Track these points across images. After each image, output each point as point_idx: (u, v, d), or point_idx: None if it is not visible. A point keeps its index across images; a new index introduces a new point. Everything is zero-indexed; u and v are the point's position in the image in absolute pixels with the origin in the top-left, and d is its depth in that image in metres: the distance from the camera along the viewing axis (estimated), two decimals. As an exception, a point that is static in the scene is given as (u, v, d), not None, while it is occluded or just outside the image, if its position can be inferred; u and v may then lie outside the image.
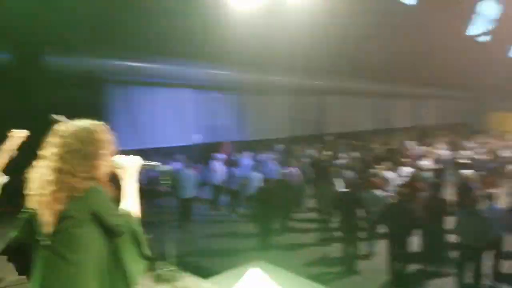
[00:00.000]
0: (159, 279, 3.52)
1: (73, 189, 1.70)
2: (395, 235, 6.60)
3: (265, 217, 8.04)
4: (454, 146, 16.03)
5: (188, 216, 9.66)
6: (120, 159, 1.95)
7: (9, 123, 2.70)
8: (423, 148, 14.99)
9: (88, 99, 9.83)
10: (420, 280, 6.70)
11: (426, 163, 11.54)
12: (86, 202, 1.70)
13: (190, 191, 9.54)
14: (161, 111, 12.60)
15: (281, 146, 13.22)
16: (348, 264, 7.11)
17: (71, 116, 1.95)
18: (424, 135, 21.63)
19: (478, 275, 6.10)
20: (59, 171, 1.72)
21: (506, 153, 14.23)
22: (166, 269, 3.69)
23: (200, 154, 12.39)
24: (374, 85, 19.17)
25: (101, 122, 1.92)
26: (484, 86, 27.79)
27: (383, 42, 15.54)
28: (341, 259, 7.30)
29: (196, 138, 13.80)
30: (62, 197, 1.69)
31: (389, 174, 9.57)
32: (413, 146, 15.78)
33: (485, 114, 29.61)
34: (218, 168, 10.61)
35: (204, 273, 4.53)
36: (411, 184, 8.62)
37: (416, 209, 6.74)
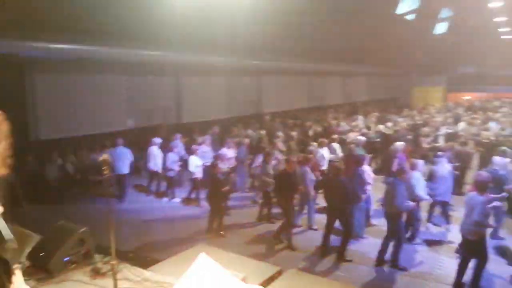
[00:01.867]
0: (97, 272, 3.41)
1: None
2: (329, 208, 7.02)
3: (207, 199, 8.08)
4: (381, 120, 17.08)
5: (122, 192, 9.93)
6: None
7: None
8: (352, 124, 15.82)
9: (9, 85, 9.12)
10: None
11: (353, 136, 12.27)
12: None
13: (124, 168, 9.86)
14: (95, 97, 12.12)
15: (217, 128, 13.16)
16: (288, 239, 7.38)
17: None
18: (355, 111, 22.72)
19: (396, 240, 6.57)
20: None
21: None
22: (104, 260, 3.59)
23: (137, 139, 12.09)
24: (308, 65, 19.68)
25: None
26: (411, 62, 29.66)
27: (316, 23, 15.89)
28: (279, 235, 7.53)
29: (130, 123, 13.46)
30: None
31: (323, 151, 10.03)
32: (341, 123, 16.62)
33: (411, 89, 31.85)
34: (155, 153, 10.38)
35: (145, 261, 4.48)
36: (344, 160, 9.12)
37: (348, 183, 7.10)
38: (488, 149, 11.37)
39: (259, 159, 9.45)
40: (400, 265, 6.39)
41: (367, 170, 7.94)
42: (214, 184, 7.85)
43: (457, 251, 6.66)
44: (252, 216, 8.84)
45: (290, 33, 15.57)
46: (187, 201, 9.91)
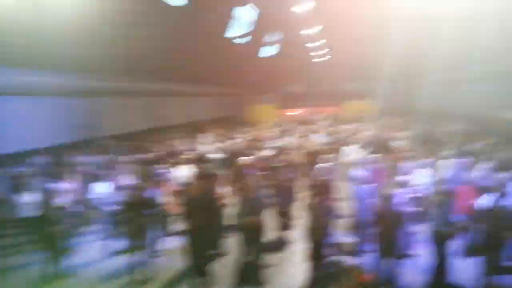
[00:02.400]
0: None
1: None
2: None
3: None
4: (224, 137, 17.85)
5: None
6: None
7: None
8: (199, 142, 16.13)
9: None
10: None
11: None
12: None
13: None
14: None
15: (44, 157, 11.66)
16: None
17: None
18: (198, 130, 23.17)
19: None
20: None
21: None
22: None
23: None
24: (148, 85, 19.29)
25: None
26: (246, 82, 31.96)
27: (154, 42, 15.76)
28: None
29: None
30: None
31: (174, 172, 9.92)
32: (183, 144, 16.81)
33: (247, 107, 34.27)
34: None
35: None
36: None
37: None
38: (313, 158, 13.02)
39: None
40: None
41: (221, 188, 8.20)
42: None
43: None
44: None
45: (127, 53, 15.07)
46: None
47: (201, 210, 6.69)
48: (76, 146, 14.60)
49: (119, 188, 8.57)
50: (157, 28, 14.92)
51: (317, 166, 10.29)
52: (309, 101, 34.07)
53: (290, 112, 34.38)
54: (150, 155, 12.47)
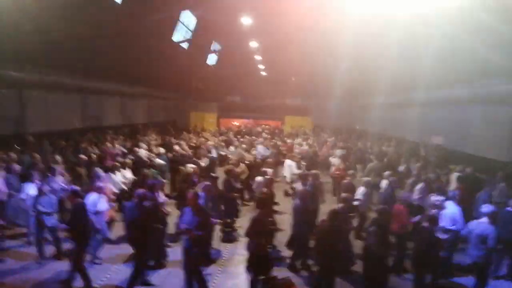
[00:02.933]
0: None
1: None
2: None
3: None
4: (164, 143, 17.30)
5: None
6: None
7: None
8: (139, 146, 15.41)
9: None
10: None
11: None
12: None
13: None
14: None
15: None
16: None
17: None
18: (135, 133, 22.26)
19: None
20: None
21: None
22: None
23: None
24: (83, 82, 18.12)
25: None
26: (187, 88, 31.39)
27: (93, 40, 14.85)
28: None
29: None
30: None
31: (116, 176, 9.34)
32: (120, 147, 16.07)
33: (188, 113, 33.69)
34: None
35: None
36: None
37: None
38: (252, 169, 13.05)
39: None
40: None
41: (161, 196, 7.84)
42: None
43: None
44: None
45: (61, 47, 14.02)
46: None
47: (143, 218, 6.31)
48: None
49: (52, 191, 7.85)
50: (94, 23, 14.09)
51: (258, 178, 10.24)
52: (251, 113, 34.29)
53: (232, 122, 34.34)
54: (86, 156, 11.56)
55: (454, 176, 11.44)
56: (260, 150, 16.82)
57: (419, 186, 9.95)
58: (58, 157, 10.93)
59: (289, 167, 13.69)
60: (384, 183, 10.04)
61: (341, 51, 19.11)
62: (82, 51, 15.34)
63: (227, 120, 34.61)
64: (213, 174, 10.17)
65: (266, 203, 6.82)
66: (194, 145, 17.80)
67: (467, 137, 16.43)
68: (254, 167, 13.39)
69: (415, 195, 9.63)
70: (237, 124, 33.51)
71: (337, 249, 6.45)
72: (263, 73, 32.47)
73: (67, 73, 16.51)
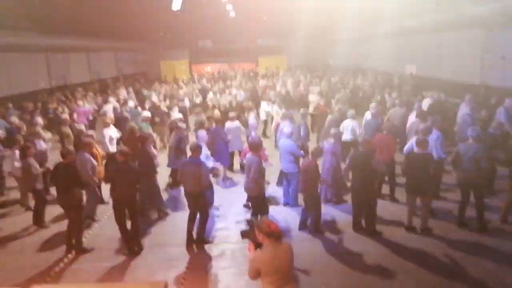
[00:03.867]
0: None
1: None
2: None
3: None
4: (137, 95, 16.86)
5: None
6: None
7: None
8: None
9: None
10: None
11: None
12: None
13: None
14: None
15: None
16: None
17: None
18: (105, 88, 21.59)
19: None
20: None
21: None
22: None
23: None
24: (46, 39, 17.09)
25: None
26: (156, 37, 30.09)
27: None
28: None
29: None
30: None
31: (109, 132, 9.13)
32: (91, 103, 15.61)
33: (159, 63, 32.60)
34: None
35: None
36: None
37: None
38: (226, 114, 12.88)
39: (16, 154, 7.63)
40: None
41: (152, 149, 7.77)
42: None
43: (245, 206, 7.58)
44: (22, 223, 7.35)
45: (16, 4, 13.01)
46: None
47: (132, 175, 6.08)
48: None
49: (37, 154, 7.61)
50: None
51: (226, 124, 9.96)
52: (225, 57, 33.40)
53: (205, 68, 33.49)
54: (64, 116, 11.05)
55: (425, 102, 11.66)
56: (237, 93, 16.57)
57: (400, 112, 10.28)
58: (39, 119, 10.59)
59: (267, 108, 13.66)
60: (368, 115, 10.11)
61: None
62: (42, 7, 14.30)
63: (200, 67, 33.71)
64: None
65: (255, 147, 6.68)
66: (169, 94, 17.26)
67: (440, 63, 16.55)
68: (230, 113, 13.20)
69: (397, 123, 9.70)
70: (210, 70, 32.69)
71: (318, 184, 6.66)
72: (233, 14, 31.23)
73: (28, 32, 15.47)
